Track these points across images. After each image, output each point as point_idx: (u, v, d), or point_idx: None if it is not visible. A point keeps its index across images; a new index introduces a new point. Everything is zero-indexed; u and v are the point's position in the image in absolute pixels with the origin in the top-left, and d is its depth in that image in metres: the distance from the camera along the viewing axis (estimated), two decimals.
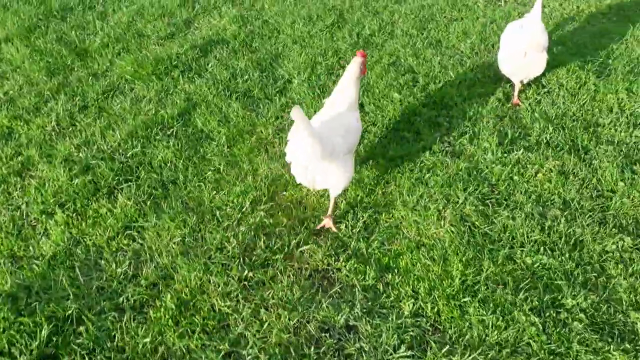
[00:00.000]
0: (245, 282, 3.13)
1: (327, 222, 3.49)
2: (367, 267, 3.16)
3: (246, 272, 3.16)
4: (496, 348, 2.73)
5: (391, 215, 3.55)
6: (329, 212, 3.50)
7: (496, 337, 2.76)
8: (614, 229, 3.35)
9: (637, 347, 2.72)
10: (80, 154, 4.11)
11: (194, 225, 3.48)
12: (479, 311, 2.87)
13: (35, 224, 3.59)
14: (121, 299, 3.04)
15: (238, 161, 4.02)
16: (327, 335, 2.84)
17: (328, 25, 5.92)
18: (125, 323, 2.90)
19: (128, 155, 4.10)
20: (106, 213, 3.60)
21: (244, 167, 3.95)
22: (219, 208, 3.62)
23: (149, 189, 3.79)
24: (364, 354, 2.74)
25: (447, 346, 2.74)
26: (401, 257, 3.25)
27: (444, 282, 3.05)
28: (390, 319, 2.87)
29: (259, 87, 4.87)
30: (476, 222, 3.43)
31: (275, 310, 2.96)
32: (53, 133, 4.42)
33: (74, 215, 3.61)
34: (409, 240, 3.36)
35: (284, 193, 3.74)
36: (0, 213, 3.66)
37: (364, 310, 2.94)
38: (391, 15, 6.14)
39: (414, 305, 2.95)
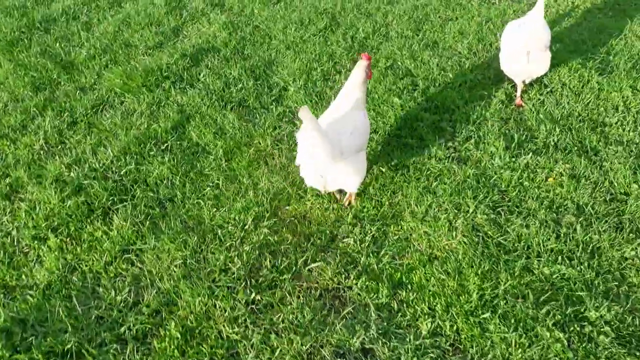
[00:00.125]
0: (253, 306, 2.98)
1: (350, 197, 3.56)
2: (380, 284, 3.03)
3: (253, 294, 3.01)
4: None
5: (400, 227, 3.41)
6: (352, 197, 3.56)
7: (520, 355, 2.64)
8: (631, 234, 3.24)
9: None
10: (72, 174, 3.93)
11: (195, 246, 3.33)
12: (500, 328, 2.75)
13: (27, 250, 3.41)
14: (123, 329, 2.88)
15: (237, 175, 3.86)
16: None
17: (321, 29, 5.77)
18: (128, 355, 2.75)
19: (122, 173, 3.92)
20: (102, 236, 3.43)
21: (244, 182, 3.79)
22: (221, 226, 3.46)
23: (146, 208, 3.62)
24: None
25: None
26: (414, 271, 3.12)
27: (461, 297, 2.92)
28: (407, 339, 2.74)
29: (254, 96, 4.71)
30: (489, 232, 3.30)
31: (287, 335, 2.81)
32: (41, 152, 4.24)
33: (68, 239, 3.43)
34: (420, 253, 3.23)
35: (287, 207, 3.60)
36: None
37: (380, 332, 2.80)
38: (384, 16, 6.01)
39: (431, 324, 2.81)
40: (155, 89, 4.91)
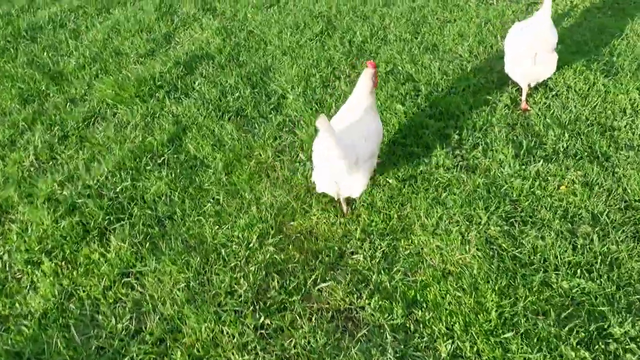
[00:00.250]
0: (262, 331, 2.84)
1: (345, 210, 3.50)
2: (393, 304, 2.90)
3: (262, 318, 2.87)
4: None
5: (410, 241, 3.29)
6: (345, 209, 3.48)
7: None
8: None
9: None
10: (65, 192, 3.76)
11: (199, 267, 3.18)
12: (523, 348, 2.63)
13: (20, 276, 3.25)
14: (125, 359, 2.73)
15: (238, 190, 3.71)
16: None
17: (317, 34, 5.63)
18: None
19: (117, 190, 3.76)
20: (99, 259, 3.27)
21: (246, 197, 3.64)
22: (224, 245, 3.31)
23: (144, 227, 3.46)
24: None
25: None
26: (428, 288, 2.99)
27: (479, 316, 2.80)
28: None
29: (252, 105, 4.56)
30: (503, 245, 3.19)
31: None
32: (32, 169, 4.06)
33: (63, 263, 3.27)
34: (433, 268, 3.11)
35: (292, 223, 3.46)
36: None
37: (397, 355, 2.67)
38: (381, 19, 5.88)
39: (451, 345, 2.69)
40: (149, 99, 4.75)
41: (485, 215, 3.35)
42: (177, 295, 3.02)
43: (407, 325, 2.82)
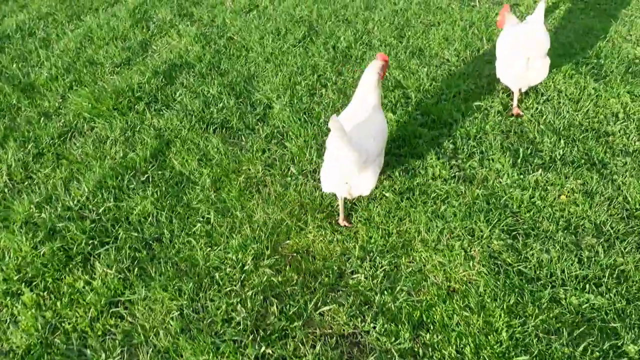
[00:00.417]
0: None
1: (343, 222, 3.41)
2: (399, 326, 2.78)
3: (263, 348, 2.71)
4: None
5: (412, 258, 3.17)
6: (341, 215, 3.40)
7: None
8: None
9: None
10: (43, 215, 3.53)
11: (192, 293, 3.00)
12: None
13: None
14: None
15: (228, 207, 3.54)
16: None
17: (299, 39, 5.48)
18: None
19: (100, 211, 3.55)
20: (84, 287, 3.06)
21: (237, 215, 3.48)
22: (217, 268, 3.15)
23: (131, 251, 3.27)
24: None
25: None
26: (433, 308, 2.88)
27: (489, 337, 2.69)
28: None
29: (237, 115, 4.39)
30: (507, 259, 3.09)
31: None
32: (6, 189, 3.81)
33: (45, 293, 3.05)
34: (437, 287, 3.00)
35: (288, 242, 3.30)
36: None
37: None
38: (365, 23, 5.75)
39: None
40: (128, 111, 4.53)
41: (487, 228, 3.26)
42: (171, 325, 2.84)
43: (415, 349, 2.70)
